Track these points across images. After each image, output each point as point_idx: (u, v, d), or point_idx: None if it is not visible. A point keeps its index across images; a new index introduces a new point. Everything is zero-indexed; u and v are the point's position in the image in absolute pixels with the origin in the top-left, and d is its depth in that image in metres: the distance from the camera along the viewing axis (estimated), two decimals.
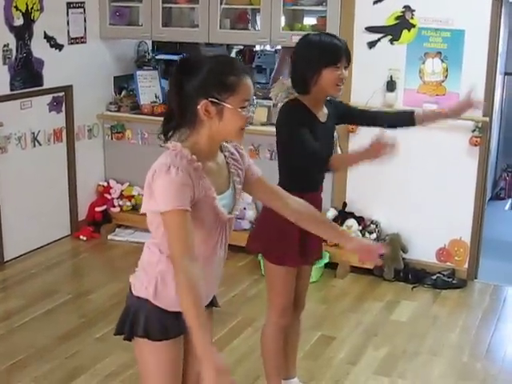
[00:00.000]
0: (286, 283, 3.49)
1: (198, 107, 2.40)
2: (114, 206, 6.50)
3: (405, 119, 3.73)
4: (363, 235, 5.59)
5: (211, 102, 2.40)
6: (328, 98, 3.51)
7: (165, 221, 2.37)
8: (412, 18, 5.38)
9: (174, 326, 2.53)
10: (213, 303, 2.76)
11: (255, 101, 2.56)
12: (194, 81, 2.42)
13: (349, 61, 3.36)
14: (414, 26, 5.38)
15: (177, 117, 2.47)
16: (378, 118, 3.73)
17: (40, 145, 5.93)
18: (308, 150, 3.29)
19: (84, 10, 6.23)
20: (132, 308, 2.57)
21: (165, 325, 2.54)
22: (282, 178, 3.47)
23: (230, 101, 2.41)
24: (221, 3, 5.94)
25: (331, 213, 5.63)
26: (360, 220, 5.66)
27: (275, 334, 3.58)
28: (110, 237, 6.39)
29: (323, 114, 3.47)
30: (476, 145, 5.35)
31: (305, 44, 3.40)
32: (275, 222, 3.20)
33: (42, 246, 6.05)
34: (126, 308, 2.61)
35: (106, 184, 6.57)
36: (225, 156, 2.62)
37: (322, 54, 3.30)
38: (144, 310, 2.53)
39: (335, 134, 3.64)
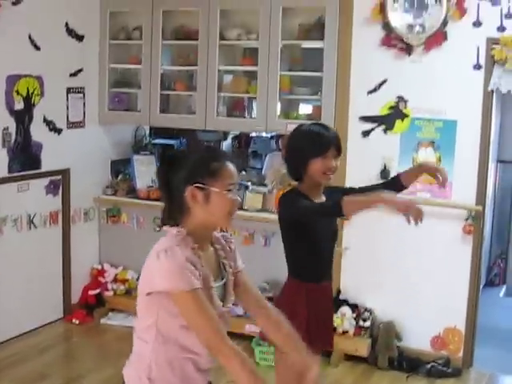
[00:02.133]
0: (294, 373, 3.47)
1: (185, 194, 2.46)
2: (108, 290, 6.48)
3: (394, 185, 3.71)
4: (357, 323, 5.57)
5: (197, 187, 2.45)
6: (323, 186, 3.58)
7: (182, 303, 2.37)
8: (405, 108, 5.48)
9: None
10: None
11: (244, 186, 2.64)
12: (180, 172, 2.49)
13: (339, 150, 3.44)
14: (407, 116, 5.48)
15: (169, 209, 2.56)
16: (369, 191, 3.75)
17: (36, 227, 5.95)
18: (311, 208, 3.38)
19: (84, 95, 6.34)
20: None
21: None
22: (293, 270, 3.50)
23: (215, 185, 2.47)
24: (218, 91, 6.06)
25: None
26: (354, 307, 5.65)
27: None
28: (102, 321, 6.33)
29: (321, 199, 3.53)
30: (469, 233, 5.38)
31: (295, 135, 3.51)
32: (286, 313, 3.27)
33: (34, 329, 6.00)
34: None
35: (100, 267, 6.56)
36: (215, 248, 2.64)
37: (310, 145, 3.41)
38: None
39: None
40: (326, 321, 3.61)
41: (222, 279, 2.62)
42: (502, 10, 5.11)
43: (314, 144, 3.41)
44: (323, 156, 3.38)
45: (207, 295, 2.46)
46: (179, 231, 2.49)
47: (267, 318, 2.71)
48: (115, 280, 6.49)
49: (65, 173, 6.19)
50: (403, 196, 3.54)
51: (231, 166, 2.54)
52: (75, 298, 6.44)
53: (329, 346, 3.76)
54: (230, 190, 2.50)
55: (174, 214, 2.54)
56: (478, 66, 5.24)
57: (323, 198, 3.54)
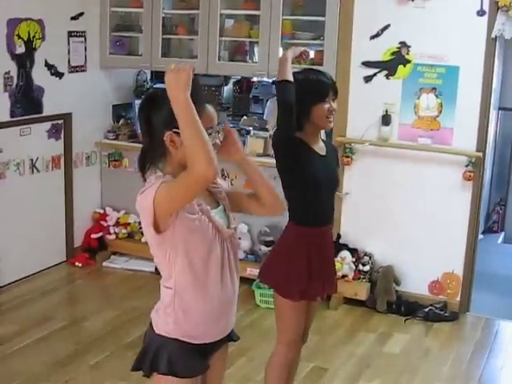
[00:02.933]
0: (295, 317, 3.53)
1: (164, 138, 2.46)
2: (110, 234, 6.54)
3: None
4: (357, 267, 5.64)
5: (175, 132, 2.43)
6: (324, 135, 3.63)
7: (166, 188, 2.40)
8: (408, 53, 5.47)
9: (197, 364, 2.61)
10: (231, 337, 2.78)
11: (220, 128, 2.60)
12: (159, 114, 2.48)
13: (336, 93, 3.51)
14: (409, 61, 5.47)
15: (149, 150, 2.56)
16: None
17: (38, 171, 5.98)
18: (280, 114, 3.44)
19: (85, 39, 6.31)
20: (153, 345, 2.60)
21: (189, 363, 2.58)
22: (292, 214, 3.54)
23: None
24: (220, 35, 6.03)
25: None
26: (354, 252, 5.71)
27: (282, 365, 3.60)
28: (105, 264, 6.41)
29: (320, 147, 3.56)
30: (469, 179, 5.41)
31: (299, 82, 3.50)
32: (286, 257, 3.39)
33: (37, 272, 6.08)
34: (146, 345, 2.64)
35: (102, 211, 6.62)
36: None
37: (309, 92, 3.45)
38: (167, 347, 2.57)
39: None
40: (327, 265, 3.65)
41: (219, 205, 2.66)
42: None
43: (315, 90, 3.46)
44: (324, 101, 3.42)
45: (206, 220, 2.52)
46: (157, 175, 2.52)
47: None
48: (117, 224, 6.54)
49: (66, 117, 6.19)
50: None
51: (210, 109, 2.53)
52: (78, 241, 6.51)
53: (331, 290, 3.81)
54: (209, 134, 2.45)
55: (153, 155, 2.55)
56: (481, 12, 5.20)
57: (322, 146, 3.57)
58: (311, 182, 3.45)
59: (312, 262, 3.47)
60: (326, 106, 3.43)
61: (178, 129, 2.37)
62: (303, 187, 3.46)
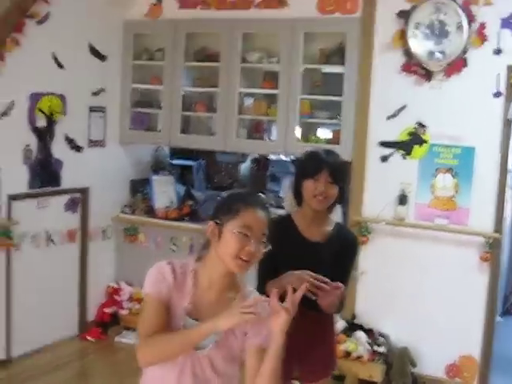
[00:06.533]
0: None
1: (206, 227, 2.53)
2: (123, 308, 6.50)
3: None
4: (372, 348, 5.55)
5: (216, 223, 2.49)
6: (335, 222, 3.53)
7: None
8: (424, 133, 5.50)
9: None
10: None
11: (266, 242, 2.52)
12: (212, 207, 2.61)
13: (333, 177, 3.35)
14: (425, 141, 5.49)
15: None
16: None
17: (54, 244, 5.99)
18: (259, 277, 3.33)
19: (105, 114, 6.42)
20: None
21: None
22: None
23: (230, 223, 2.48)
24: (238, 113, 6.11)
25: (340, 324, 5.59)
26: (369, 332, 5.62)
27: None
28: (117, 339, 6.35)
29: (319, 232, 3.45)
30: (486, 260, 5.35)
31: (298, 158, 3.52)
32: None
33: (49, 345, 6.02)
34: None
35: (116, 286, 6.59)
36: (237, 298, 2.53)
37: (303, 166, 3.45)
38: None
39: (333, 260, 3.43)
40: (308, 350, 3.50)
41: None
42: None
43: (307, 164, 3.42)
44: (314, 178, 3.34)
45: (177, 316, 2.53)
46: (189, 259, 2.62)
47: None
48: (130, 299, 6.51)
49: (84, 191, 6.24)
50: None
51: (258, 213, 2.51)
52: (91, 315, 6.47)
53: (312, 377, 3.62)
54: (244, 234, 2.45)
55: (204, 246, 2.61)
56: (497, 94, 5.25)
57: (324, 232, 3.45)
58: (283, 269, 3.26)
59: (296, 346, 3.17)
60: (316, 184, 3.33)
61: (219, 219, 2.49)
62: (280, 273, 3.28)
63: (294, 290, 2.53)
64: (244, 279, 2.67)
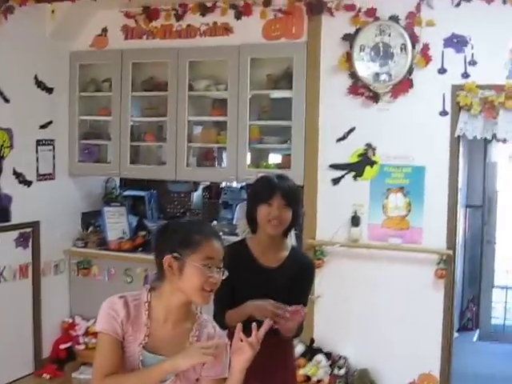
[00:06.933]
0: None
1: (163, 261, 2.49)
2: (79, 343, 6.38)
3: None
4: (332, 371, 5.54)
5: (174, 257, 2.46)
6: (291, 246, 3.53)
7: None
8: (374, 155, 5.54)
9: None
10: None
11: (224, 270, 2.53)
12: (166, 240, 2.53)
13: (287, 200, 3.35)
14: (376, 162, 5.54)
15: (156, 273, 2.61)
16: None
17: (5, 280, 5.86)
18: (215, 307, 3.27)
19: (53, 147, 6.34)
20: None
21: None
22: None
23: (192, 257, 2.46)
24: (188, 142, 6.09)
25: (299, 348, 5.57)
26: (328, 355, 5.61)
27: None
28: (74, 375, 6.23)
29: (275, 258, 3.45)
30: (441, 277, 5.39)
31: (251, 184, 3.51)
32: None
33: None
34: None
35: (71, 320, 6.48)
36: (191, 329, 2.59)
37: (256, 192, 3.44)
38: None
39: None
40: (278, 374, 3.48)
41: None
42: (465, 58, 5.22)
43: (260, 190, 3.40)
44: (268, 203, 3.33)
45: (132, 353, 2.50)
46: (145, 288, 2.58)
47: None
48: (86, 333, 6.39)
49: (35, 225, 6.14)
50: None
51: (216, 244, 2.52)
52: (46, 352, 6.34)
53: None
54: (207, 266, 2.46)
55: (158, 277, 2.57)
56: (444, 113, 5.32)
57: (280, 257, 3.43)
58: (239, 295, 3.28)
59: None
60: (270, 208, 3.33)
61: (178, 253, 2.46)
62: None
63: (258, 326, 2.52)
64: (199, 307, 2.65)
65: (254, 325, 2.54)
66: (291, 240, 3.67)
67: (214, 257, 2.49)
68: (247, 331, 2.54)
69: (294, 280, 3.41)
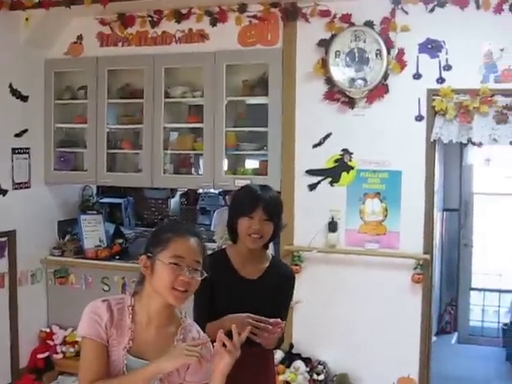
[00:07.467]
0: None
1: (139, 262, 2.50)
2: (57, 353, 6.33)
3: None
4: (311, 376, 5.54)
5: (148, 256, 2.47)
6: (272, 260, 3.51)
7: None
8: (350, 160, 5.55)
9: None
10: None
11: (199, 269, 2.50)
12: (147, 240, 2.57)
13: (269, 214, 3.30)
14: (352, 168, 5.55)
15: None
16: None
17: None
18: (195, 312, 3.26)
19: (29, 156, 6.29)
20: None
21: None
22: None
23: (161, 255, 2.46)
24: (164, 148, 6.07)
25: (278, 354, 5.57)
26: (307, 361, 5.61)
27: None
28: None
29: (255, 270, 3.42)
30: (418, 281, 5.41)
31: (233, 194, 3.48)
32: None
33: None
34: None
35: (48, 330, 6.43)
36: (176, 333, 2.57)
37: (237, 203, 3.39)
38: None
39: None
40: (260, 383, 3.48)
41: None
42: (440, 63, 5.25)
43: (242, 201, 3.35)
44: (249, 216, 3.29)
45: (117, 356, 2.49)
46: (129, 293, 2.57)
47: None
48: (64, 342, 6.35)
49: (11, 234, 6.09)
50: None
51: (188, 242, 2.50)
52: (23, 362, 6.28)
53: None
54: (176, 264, 2.44)
55: (139, 281, 2.57)
56: (419, 117, 5.35)
57: (260, 268, 3.41)
58: (220, 306, 3.27)
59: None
60: (251, 222, 3.28)
61: (150, 252, 2.46)
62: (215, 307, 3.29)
63: (239, 333, 2.53)
64: (183, 311, 2.65)
65: (233, 326, 2.54)
66: (270, 249, 3.65)
67: (184, 255, 2.47)
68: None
69: (275, 290, 3.40)
